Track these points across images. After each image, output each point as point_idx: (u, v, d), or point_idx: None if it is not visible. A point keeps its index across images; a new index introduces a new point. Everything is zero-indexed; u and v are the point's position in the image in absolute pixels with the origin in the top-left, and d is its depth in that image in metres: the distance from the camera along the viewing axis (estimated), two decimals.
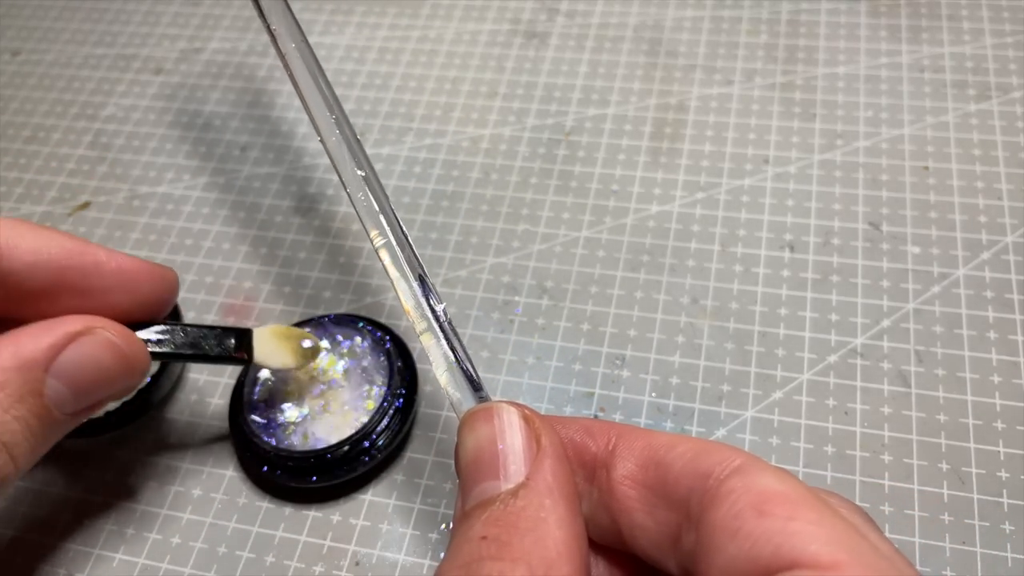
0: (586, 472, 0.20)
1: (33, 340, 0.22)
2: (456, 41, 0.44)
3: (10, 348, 0.21)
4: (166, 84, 0.44)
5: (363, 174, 0.25)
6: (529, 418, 0.19)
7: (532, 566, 0.16)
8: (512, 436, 0.19)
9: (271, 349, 0.27)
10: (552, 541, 0.17)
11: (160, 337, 0.25)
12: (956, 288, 0.32)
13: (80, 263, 0.24)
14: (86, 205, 0.39)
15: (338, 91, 0.42)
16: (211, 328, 0.26)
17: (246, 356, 0.27)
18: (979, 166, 0.36)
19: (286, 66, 0.27)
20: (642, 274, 0.34)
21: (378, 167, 0.39)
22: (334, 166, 0.25)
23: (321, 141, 0.26)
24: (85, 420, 0.24)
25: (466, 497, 0.19)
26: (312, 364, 0.29)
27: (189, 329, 0.26)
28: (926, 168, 0.36)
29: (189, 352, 0.26)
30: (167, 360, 0.26)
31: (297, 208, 0.38)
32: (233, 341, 0.26)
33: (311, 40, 0.44)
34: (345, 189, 0.25)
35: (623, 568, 0.20)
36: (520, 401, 0.31)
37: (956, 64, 0.39)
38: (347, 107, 0.41)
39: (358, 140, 0.26)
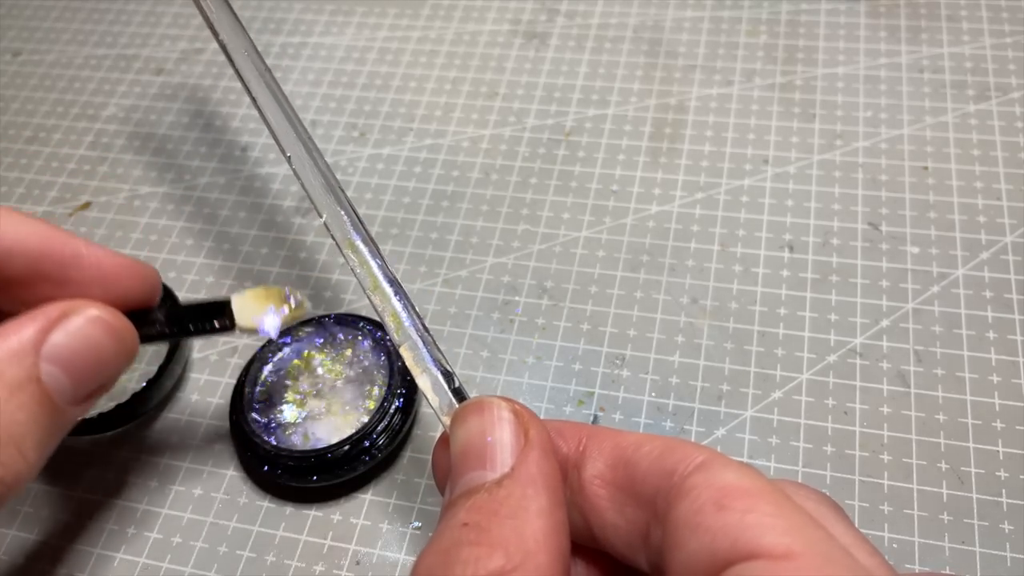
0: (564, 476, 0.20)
1: (18, 327, 0.21)
2: (456, 42, 0.44)
3: None
4: (167, 84, 0.44)
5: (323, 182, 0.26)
6: (519, 412, 0.20)
7: (509, 553, 0.17)
8: (501, 429, 0.19)
9: (252, 312, 0.27)
10: (531, 530, 0.17)
11: (141, 319, 0.25)
12: (955, 288, 0.32)
13: (59, 252, 0.23)
14: (87, 205, 0.39)
15: (338, 92, 0.42)
16: (189, 305, 0.26)
17: (229, 323, 0.26)
18: (978, 166, 0.36)
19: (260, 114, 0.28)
20: (642, 274, 0.34)
21: (378, 167, 0.39)
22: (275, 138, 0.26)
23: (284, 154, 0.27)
24: (84, 414, 0.23)
25: (453, 486, 0.19)
26: (298, 312, 0.27)
27: (169, 310, 0.26)
28: (925, 168, 0.36)
29: (173, 330, 0.25)
30: (153, 342, 0.25)
31: (297, 208, 0.38)
32: (214, 312, 0.26)
33: (311, 41, 0.44)
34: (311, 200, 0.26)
35: (599, 567, 0.20)
36: (521, 400, 0.31)
37: (955, 64, 0.39)
38: (347, 107, 0.41)
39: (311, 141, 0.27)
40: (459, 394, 0.22)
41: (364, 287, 0.24)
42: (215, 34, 0.29)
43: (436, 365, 0.23)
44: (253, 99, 0.28)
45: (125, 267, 0.24)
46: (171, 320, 0.25)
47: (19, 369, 0.21)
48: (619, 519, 0.18)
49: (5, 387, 0.20)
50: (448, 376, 0.23)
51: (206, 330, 0.26)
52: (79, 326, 0.22)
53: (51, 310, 0.22)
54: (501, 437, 0.19)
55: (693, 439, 0.29)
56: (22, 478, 0.21)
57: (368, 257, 0.25)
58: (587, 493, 0.19)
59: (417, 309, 0.24)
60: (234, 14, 0.30)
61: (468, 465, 0.19)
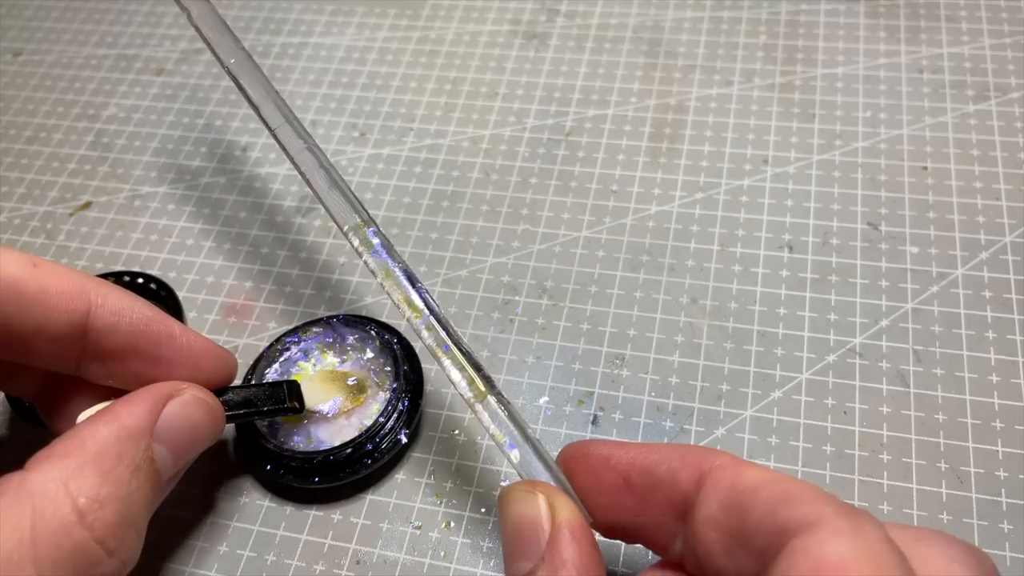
0: (676, 512, 0.20)
1: (130, 408, 0.22)
2: (456, 42, 0.44)
3: (112, 422, 0.21)
4: (167, 84, 0.44)
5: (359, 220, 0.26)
6: (547, 494, 0.21)
7: None
8: (533, 516, 0.20)
9: (320, 394, 0.29)
10: None
11: (221, 399, 0.26)
12: (955, 288, 0.32)
13: (156, 332, 0.24)
14: (87, 205, 0.39)
15: (338, 92, 0.42)
16: (260, 385, 0.28)
17: (298, 405, 0.28)
18: (977, 166, 0.36)
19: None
20: (641, 274, 0.34)
21: (378, 167, 0.39)
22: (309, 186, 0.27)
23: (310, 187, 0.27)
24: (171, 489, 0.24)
25: (505, 574, 0.21)
26: (359, 401, 0.29)
27: (241, 389, 0.27)
28: (925, 168, 0.36)
29: (247, 411, 0.27)
30: (232, 421, 0.27)
31: (298, 208, 0.38)
32: (284, 394, 0.28)
33: (311, 41, 0.44)
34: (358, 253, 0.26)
35: None
36: (520, 400, 0.31)
37: (955, 65, 0.39)
38: (347, 107, 0.41)
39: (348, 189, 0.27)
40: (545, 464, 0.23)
41: (436, 354, 0.25)
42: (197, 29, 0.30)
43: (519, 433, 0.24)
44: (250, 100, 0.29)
45: (210, 351, 0.26)
46: (245, 402, 0.27)
47: (139, 450, 0.21)
48: (728, 564, 0.18)
49: (128, 468, 0.21)
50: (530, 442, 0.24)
51: (278, 411, 0.28)
52: (184, 406, 0.23)
53: (159, 390, 0.23)
54: (532, 525, 0.20)
55: (693, 439, 0.29)
56: (135, 559, 0.21)
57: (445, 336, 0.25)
58: (698, 534, 0.19)
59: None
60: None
61: (511, 555, 0.21)
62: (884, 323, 0.32)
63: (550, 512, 0.20)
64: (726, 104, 0.39)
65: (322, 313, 0.34)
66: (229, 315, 0.34)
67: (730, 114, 0.39)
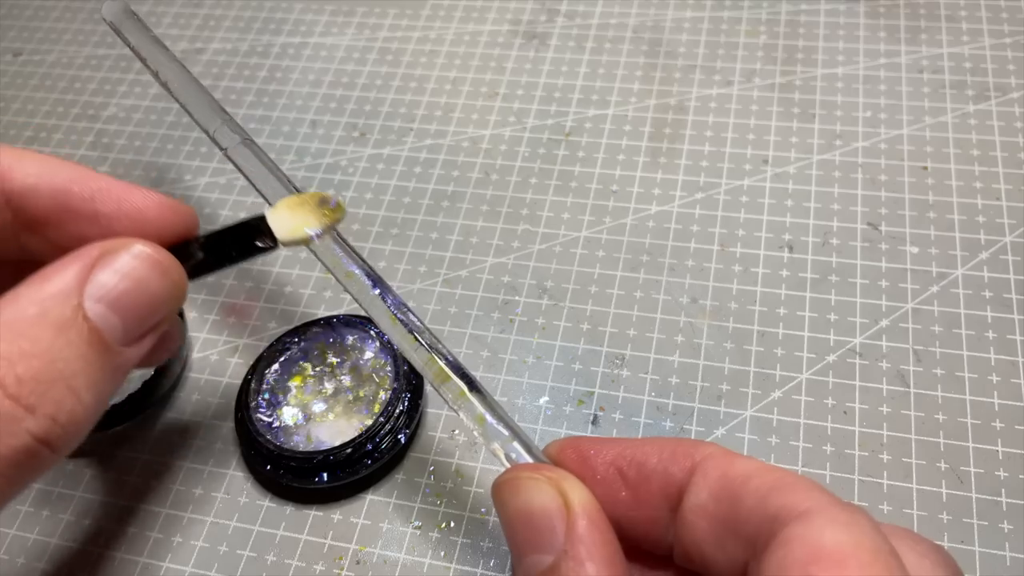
0: (670, 504, 0.19)
1: (59, 268, 0.20)
2: (456, 42, 0.44)
3: (35, 284, 0.20)
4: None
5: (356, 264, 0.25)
6: (554, 480, 0.19)
7: None
8: (542, 504, 0.19)
9: (292, 223, 0.25)
10: None
11: (179, 254, 0.23)
12: (955, 288, 0.32)
13: (84, 187, 0.23)
14: None
15: (338, 92, 0.42)
16: (222, 230, 0.24)
17: (271, 242, 0.24)
18: (977, 166, 0.36)
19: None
20: (642, 274, 0.34)
21: (378, 167, 0.39)
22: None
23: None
24: (142, 355, 0.22)
25: (516, 570, 0.19)
26: (337, 215, 0.25)
27: (202, 239, 0.24)
28: (925, 168, 0.36)
29: (215, 259, 0.24)
30: (199, 275, 0.24)
31: None
32: (252, 232, 0.24)
33: (311, 41, 0.44)
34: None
35: None
36: (521, 400, 0.31)
37: (955, 65, 0.39)
38: (347, 108, 0.41)
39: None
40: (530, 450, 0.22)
41: (429, 379, 0.23)
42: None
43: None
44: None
45: (157, 203, 0.23)
46: (210, 250, 0.24)
47: (63, 308, 0.20)
48: (718, 553, 0.18)
49: (50, 326, 0.19)
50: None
51: (250, 252, 0.24)
52: (124, 263, 0.21)
53: (91, 249, 0.21)
54: (544, 514, 0.19)
55: (693, 438, 0.29)
56: (77, 419, 0.20)
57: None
58: (687, 523, 0.19)
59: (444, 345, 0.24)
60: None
61: (524, 549, 0.19)
62: (884, 323, 0.32)
63: (562, 498, 0.19)
64: (726, 104, 0.39)
65: (322, 313, 0.34)
66: (229, 315, 0.34)
67: (730, 114, 0.39)
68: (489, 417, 0.22)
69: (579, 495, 0.19)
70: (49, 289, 0.20)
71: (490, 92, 0.41)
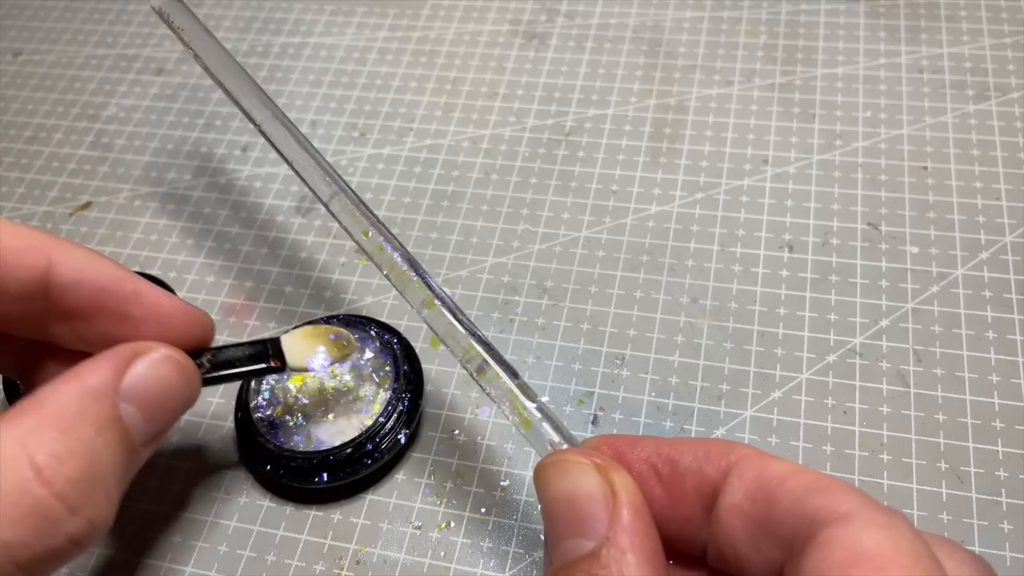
0: (705, 503, 0.19)
1: (94, 367, 0.21)
2: (456, 42, 0.44)
3: (73, 380, 0.20)
4: (167, 84, 0.44)
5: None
6: (601, 467, 0.19)
7: None
8: (588, 489, 0.19)
9: (302, 351, 0.27)
10: None
11: (197, 360, 0.25)
12: (955, 288, 0.32)
13: (121, 288, 0.23)
14: (87, 205, 0.39)
15: (338, 92, 0.42)
16: (239, 345, 0.26)
17: (280, 364, 0.26)
18: (977, 166, 0.36)
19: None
20: (642, 274, 0.34)
21: (378, 167, 0.39)
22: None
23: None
24: (149, 457, 0.23)
25: (552, 553, 0.19)
26: (347, 351, 0.28)
27: (219, 350, 0.26)
28: (925, 168, 0.36)
29: (226, 372, 0.26)
30: (210, 383, 0.25)
31: (298, 208, 0.38)
32: (265, 352, 0.26)
33: (311, 41, 0.44)
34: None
35: None
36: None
37: (955, 65, 0.39)
38: (347, 107, 0.41)
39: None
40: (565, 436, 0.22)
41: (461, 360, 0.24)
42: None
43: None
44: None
45: (182, 310, 0.25)
46: (223, 363, 0.25)
47: (103, 408, 0.20)
48: (752, 554, 0.18)
49: (91, 425, 0.20)
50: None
51: (258, 371, 0.26)
52: (153, 365, 0.22)
53: (124, 349, 0.22)
54: (589, 499, 0.19)
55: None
56: (108, 521, 0.20)
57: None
58: (722, 523, 0.19)
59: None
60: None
61: (563, 532, 0.19)
62: (884, 323, 0.32)
63: (609, 485, 0.19)
64: (726, 104, 0.39)
65: (322, 313, 0.34)
66: (229, 315, 0.34)
67: (730, 114, 0.39)
68: (529, 405, 0.23)
69: (626, 485, 0.19)
70: (88, 387, 0.20)
71: (490, 92, 0.41)
